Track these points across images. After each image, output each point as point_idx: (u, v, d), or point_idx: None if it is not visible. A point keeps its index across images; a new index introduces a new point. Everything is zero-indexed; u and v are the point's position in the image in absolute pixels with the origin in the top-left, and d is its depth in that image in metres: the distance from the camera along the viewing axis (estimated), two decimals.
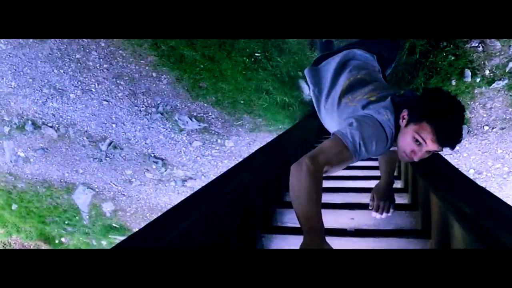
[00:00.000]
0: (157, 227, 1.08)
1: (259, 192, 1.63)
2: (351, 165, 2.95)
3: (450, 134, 1.40)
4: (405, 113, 1.52)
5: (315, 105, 2.14)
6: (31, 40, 4.74)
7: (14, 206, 6.38)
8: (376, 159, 2.48)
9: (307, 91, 2.94)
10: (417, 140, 1.44)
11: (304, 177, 1.34)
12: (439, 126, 1.38)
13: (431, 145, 1.42)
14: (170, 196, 5.60)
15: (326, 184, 2.43)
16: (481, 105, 4.08)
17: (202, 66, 4.36)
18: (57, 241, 6.89)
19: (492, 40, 3.73)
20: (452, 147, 1.42)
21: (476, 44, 3.76)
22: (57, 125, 5.23)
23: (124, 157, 5.32)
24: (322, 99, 2.04)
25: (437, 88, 1.93)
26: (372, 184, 1.99)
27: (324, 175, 1.43)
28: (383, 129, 1.55)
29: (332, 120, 1.95)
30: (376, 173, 1.98)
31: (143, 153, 5.23)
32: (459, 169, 1.79)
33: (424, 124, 1.42)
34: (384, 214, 1.82)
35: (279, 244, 1.61)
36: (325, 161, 1.41)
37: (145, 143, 5.13)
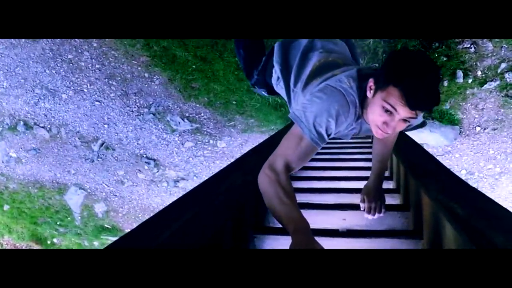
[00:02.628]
0: (150, 227, 1.08)
1: (251, 192, 1.63)
2: (343, 165, 2.98)
3: (421, 95, 1.18)
4: (371, 82, 1.33)
5: (284, 93, 1.90)
6: (23, 40, 4.72)
7: (5, 207, 6.34)
8: (370, 160, 2.48)
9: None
10: (387, 110, 1.25)
11: (268, 186, 1.30)
12: (407, 87, 1.19)
13: (402, 112, 1.23)
14: (162, 197, 5.59)
15: (318, 184, 2.45)
16: (473, 106, 4.10)
17: (194, 66, 4.36)
18: (49, 242, 6.86)
19: (484, 41, 3.76)
20: (428, 110, 1.27)
21: (468, 45, 3.79)
22: (49, 126, 5.20)
23: (116, 158, 5.30)
24: (291, 82, 1.81)
25: (403, 47, 1.67)
26: (364, 185, 1.98)
27: (292, 173, 1.37)
28: (343, 96, 1.37)
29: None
30: (369, 173, 1.97)
31: (135, 153, 5.22)
32: (451, 170, 1.79)
33: (391, 89, 1.22)
34: (377, 215, 1.79)
35: (271, 244, 1.60)
36: (285, 164, 1.34)
37: (137, 143, 5.12)
